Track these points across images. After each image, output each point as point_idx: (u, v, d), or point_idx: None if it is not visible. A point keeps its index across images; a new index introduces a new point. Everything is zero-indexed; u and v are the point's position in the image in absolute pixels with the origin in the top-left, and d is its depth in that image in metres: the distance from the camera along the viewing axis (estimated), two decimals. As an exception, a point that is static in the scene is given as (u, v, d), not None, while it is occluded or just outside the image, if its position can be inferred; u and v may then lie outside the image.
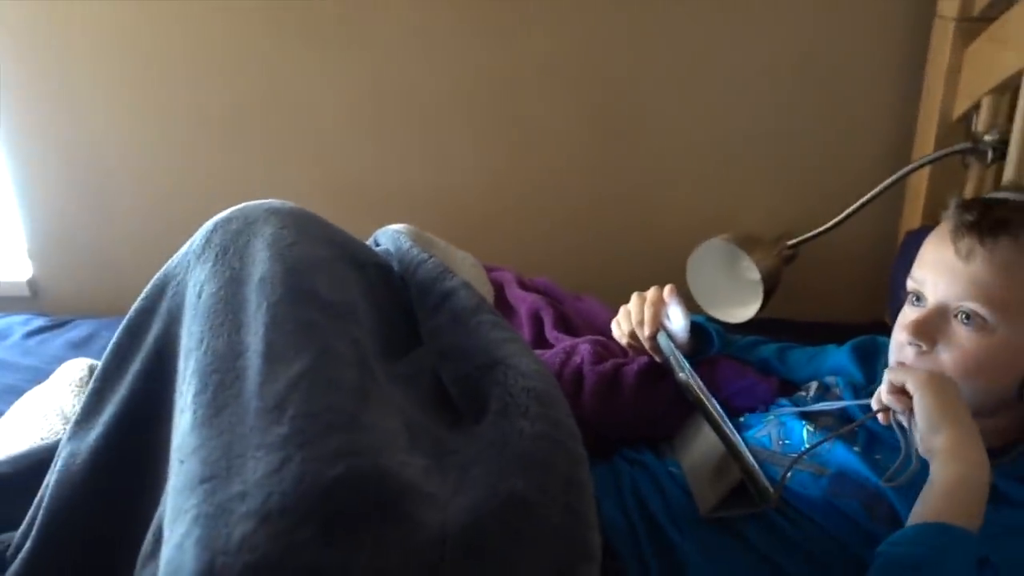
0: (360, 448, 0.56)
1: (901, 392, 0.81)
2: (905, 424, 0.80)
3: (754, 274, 1.38)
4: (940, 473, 0.75)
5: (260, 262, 0.71)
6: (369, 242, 0.96)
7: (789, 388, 1.05)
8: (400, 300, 0.83)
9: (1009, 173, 1.18)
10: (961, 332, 0.83)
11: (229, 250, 0.73)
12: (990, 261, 0.82)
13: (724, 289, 1.45)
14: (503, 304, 1.28)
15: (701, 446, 0.86)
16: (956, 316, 0.84)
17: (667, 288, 1.00)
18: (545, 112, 1.47)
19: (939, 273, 0.85)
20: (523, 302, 1.26)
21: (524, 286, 1.33)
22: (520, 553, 0.57)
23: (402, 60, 1.44)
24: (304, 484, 0.52)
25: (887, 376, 0.82)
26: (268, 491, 0.52)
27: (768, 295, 1.38)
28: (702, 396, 0.78)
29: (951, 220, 0.86)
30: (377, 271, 0.83)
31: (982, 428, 0.87)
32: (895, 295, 1.22)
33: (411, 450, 0.61)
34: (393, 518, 0.54)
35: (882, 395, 0.82)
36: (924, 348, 0.85)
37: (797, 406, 0.97)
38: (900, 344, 0.89)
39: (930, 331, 0.85)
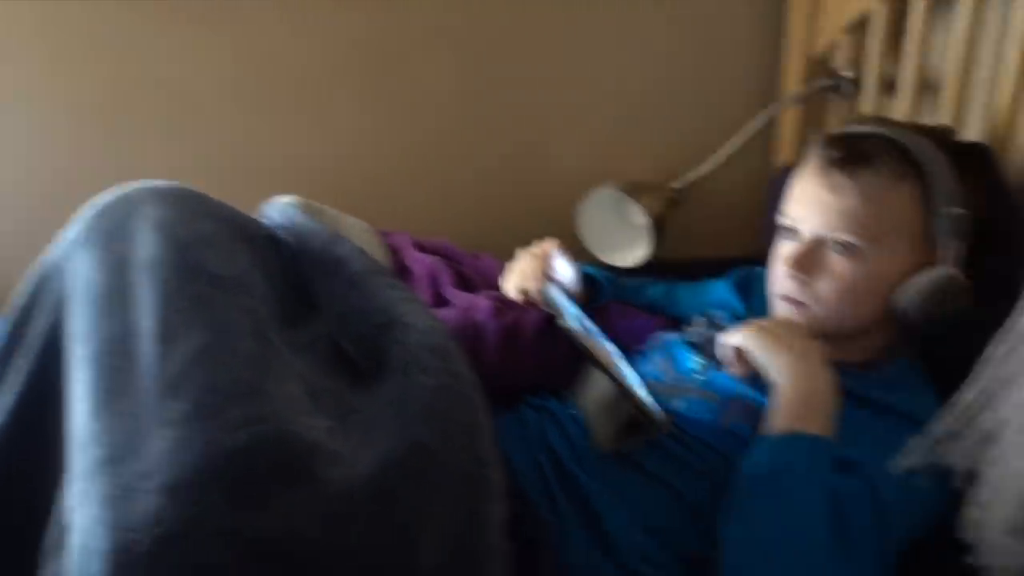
0: (263, 415, 0.57)
1: (738, 355, 0.89)
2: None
3: (642, 219, 1.43)
4: (780, 396, 0.84)
5: (147, 244, 0.70)
6: (257, 215, 0.95)
7: (679, 325, 1.11)
8: (293, 270, 0.83)
9: (866, 105, 1.26)
10: (836, 261, 0.90)
11: (114, 234, 0.71)
12: (857, 193, 0.88)
13: (615, 235, 1.49)
14: (400, 267, 1.29)
15: (596, 388, 0.90)
16: (830, 247, 0.90)
17: (551, 243, 1.04)
18: (425, 74, 1.47)
19: (812, 208, 0.91)
20: (420, 264, 1.27)
21: (421, 248, 1.35)
22: (427, 497, 0.60)
23: (274, 30, 1.41)
24: (208, 455, 0.54)
25: (718, 347, 0.92)
26: (172, 466, 0.53)
27: (658, 238, 1.44)
28: (586, 341, 0.81)
29: (819, 158, 0.92)
30: (267, 243, 0.83)
31: (856, 348, 0.95)
32: (769, 227, 1.29)
33: (314, 413, 0.63)
34: (299, 477, 0.56)
35: (725, 362, 0.91)
36: (805, 279, 0.91)
37: (682, 339, 1.03)
38: (780, 277, 0.95)
39: (808, 263, 0.91)
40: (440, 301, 1.22)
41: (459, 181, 1.56)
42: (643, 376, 0.97)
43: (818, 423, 0.83)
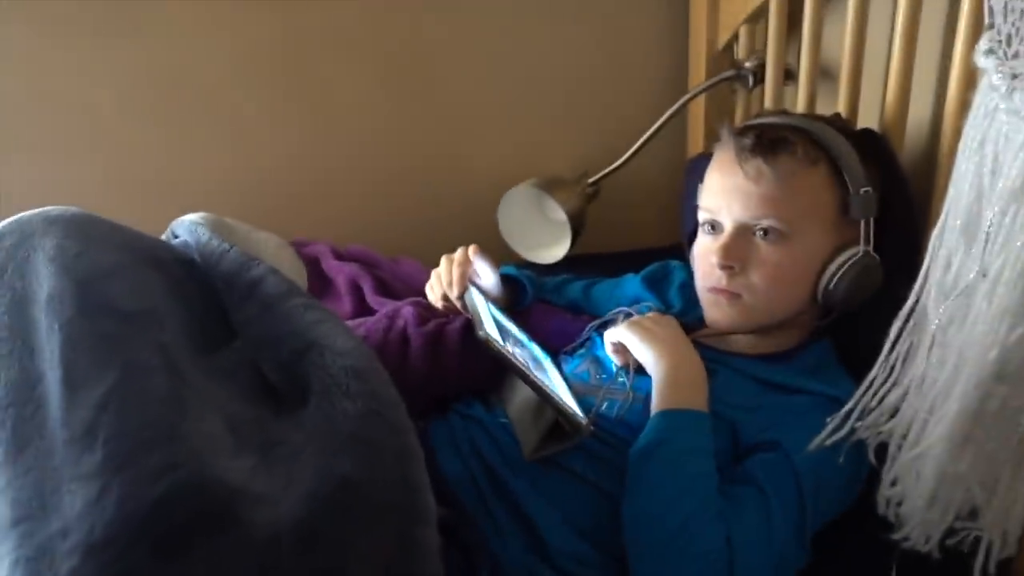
0: (181, 460, 0.55)
1: (621, 349, 0.94)
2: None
3: (560, 215, 1.44)
4: (656, 379, 0.89)
5: (45, 278, 0.67)
6: (166, 235, 0.93)
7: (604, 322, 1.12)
8: (208, 294, 0.81)
9: (768, 95, 1.30)
10: (764, 248, 0.92)
11: (7, 269, 0.68)
12: (776, 177, 0.90)
13: (535, 232, 1.50)
14: (320, 277, 1.28)
15: (520, 395, 0.91)
16: (756, 234, 0.92)
17: (471, 248, 1.04)
18: (336, 78, 1.45)
19: (732, 198, 0.93)
20: (340, 272, 1.26)
21: (340, 256, 1.33)
22: (355, 532, 0.59)
23: (176, 41, 1.36)
24: (127, 508, 0.51)
25: (605, 343, 0.96)
26: (90, 523, 0.51)
27: (576, 233, 1.45)
28: (503, 350, 0.82)
29: (732, 148, 0.94)
30: (180, 267, 0.81)
31: (783, 336, 0.98)
32: (684, 217, 1.32)
33: (236, 451, 0.61)
34: (224, 525, 0.54)
35: (609, 355, 0.96)
36: (736, 269, 0.93)
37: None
38: (708, 271, 0.96)
39: (737, 253, 0.93)
40: (363, 309, 1.21)
41: (378, 186, 1.54)
42: (569, 378, 0.99)
43: (692, 402, 0.87)
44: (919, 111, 1.04)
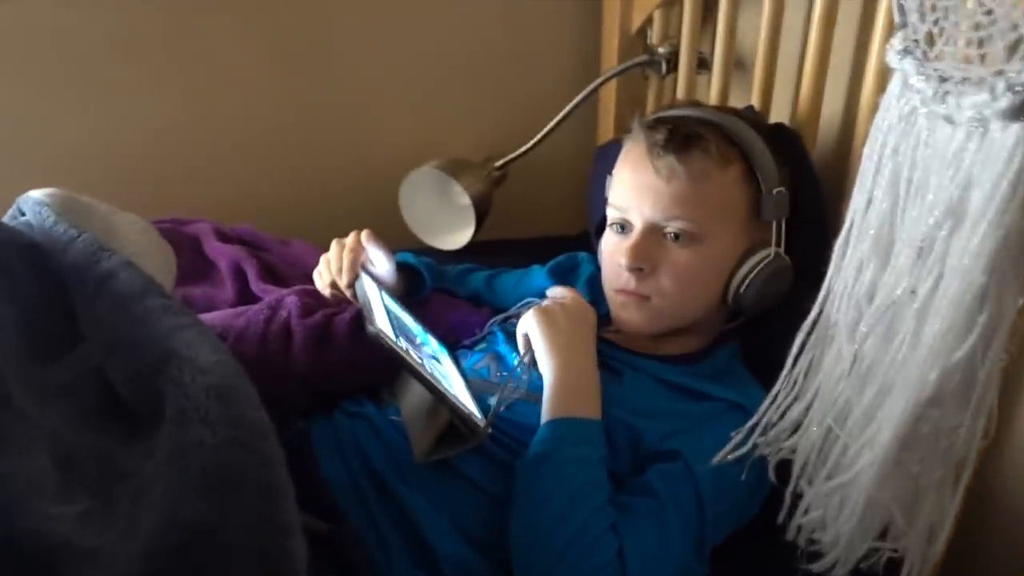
0: None
1: (527, 340, 0.88)
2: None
3: (465, 199, 1.38)
4: (546, 383, 0.84)
5: None
6: (10, 214, 0.81)
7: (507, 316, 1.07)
8: (52, 288, 0.70)
9: (681, 83, 1.26)
10: (675, 249, 0.88)
11: None
12: (689, 177, 0.86)
13: (438, 217, 1.44)
14: (201, 260, 1.17)
15: (414, 392, 0.85)
16: (666, 236, 0.88)
17: (364, 233, 0.96)
18: (224, 46, 1.33)
19: (643, 196, 0.89)
20: (223, 255, 1.16)
21: (225, 237, 1.23)
22: None
23: (44, 2, 1.23)
24: None
25: (517, 330, 0.91)
26: None
27: (481, 218, 1.39)
28: (395, 347, 0.75)
29: (643, 143, 0.89)
30: (19, 254, 0.70)
31: (690, 339, 0.95)
32: (592, 206, 1.28)
33: (63, 492, 0.51)
34: None
35: (519, 347, 0.90)
36: (645, 271, 0.89)
37: (506, 332, 0.99)
38: (617, 272, 0.92)
39: (647, 255, 0.88)
40: (247, 296, 1.12)
41: (269, 163, 1.44)
42: (468, 374, 0.93)
43: (581, 408, 0.83)
44: (833, 107, 1.02)
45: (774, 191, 0.88)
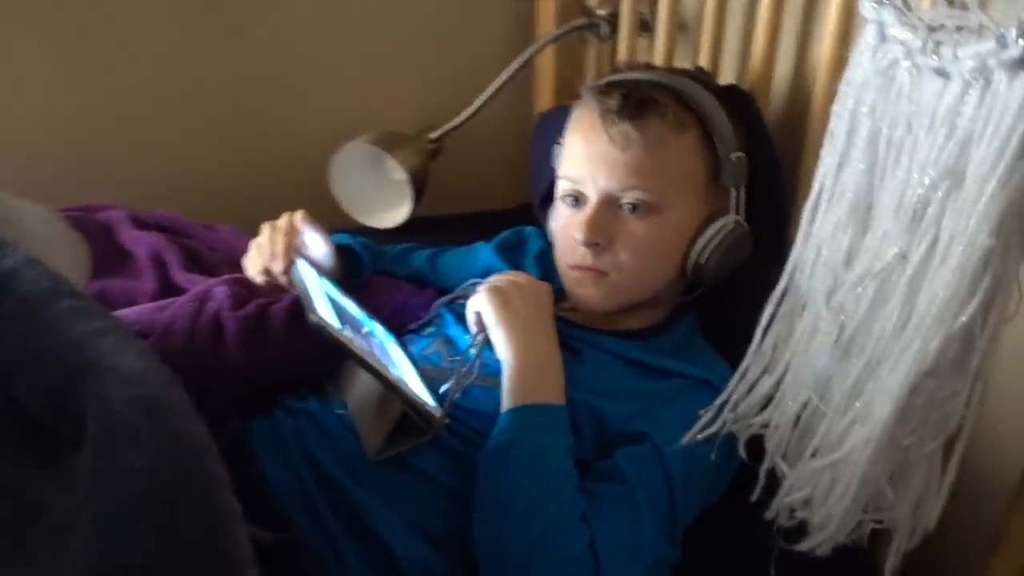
0: None
1: (480, 320, 0.83)
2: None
3: (400, 174, 1.31)
4: (505, 367, 0.79)
5: None
6: None
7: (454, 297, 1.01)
8: None
9: (622, 46, 1.21)
10: (632, 221, 0.84)
11: None
12: (645, 144, 0.81)
13: (373, 193, 1.36)
14: (116, 251, 1.08)
15: (361, 383, 0.79)
16: (623, 207, 0.84)
17: (298, 215, 0.89)
18: (135, 14, 1.23)
19: (597, 166, 0.84)
20: (141, 244, 1.07)
21: (142, 224, 1.13)
22: None
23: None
24: None
25: (467, 311, 0.85)
26: None
27: (419, 193, 1.32)
28: (340, 337, 0.69)
29: (595, 110, 0.84)
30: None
31: (646, 314, 0.91)
32: (536, 178, 1.23)
33: None
34: None
35: (471, 326, 0.84)
36: (601, 245, 0.84)
37: (455, 313, 0.93)
38: (572, 247, 0.87)
39: (604, 228, 0.84)
40: (170, 288, 1.03)
41: (187, 141, 1.34)
42: (418, 361, 0.87)
43: (544, 393, 0.78)
44: (785, 66, 0.98)
45: (732, 156, 0.84)
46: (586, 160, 0.85)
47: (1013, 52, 0.43)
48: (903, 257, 0.56)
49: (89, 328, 0.56)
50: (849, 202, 0.61)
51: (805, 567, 0.70)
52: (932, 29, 0.50)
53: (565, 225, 0.87)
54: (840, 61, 0.81)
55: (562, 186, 0.88)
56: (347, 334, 0.71)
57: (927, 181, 0.52)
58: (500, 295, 0.83)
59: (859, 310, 0.61)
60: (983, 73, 0.47)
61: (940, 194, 0.51)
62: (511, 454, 0.74)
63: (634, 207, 0.83)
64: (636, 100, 0.82)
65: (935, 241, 0.53)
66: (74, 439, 0.51)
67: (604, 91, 0.84)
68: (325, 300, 0.78)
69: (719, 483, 0.82)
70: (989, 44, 0.45)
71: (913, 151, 0.54)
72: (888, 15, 0.55)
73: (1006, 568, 0.71)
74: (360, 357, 0.70)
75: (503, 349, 0.81)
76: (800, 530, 0.71)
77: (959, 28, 0.49)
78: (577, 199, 0.86)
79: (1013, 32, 0.43)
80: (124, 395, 0.50)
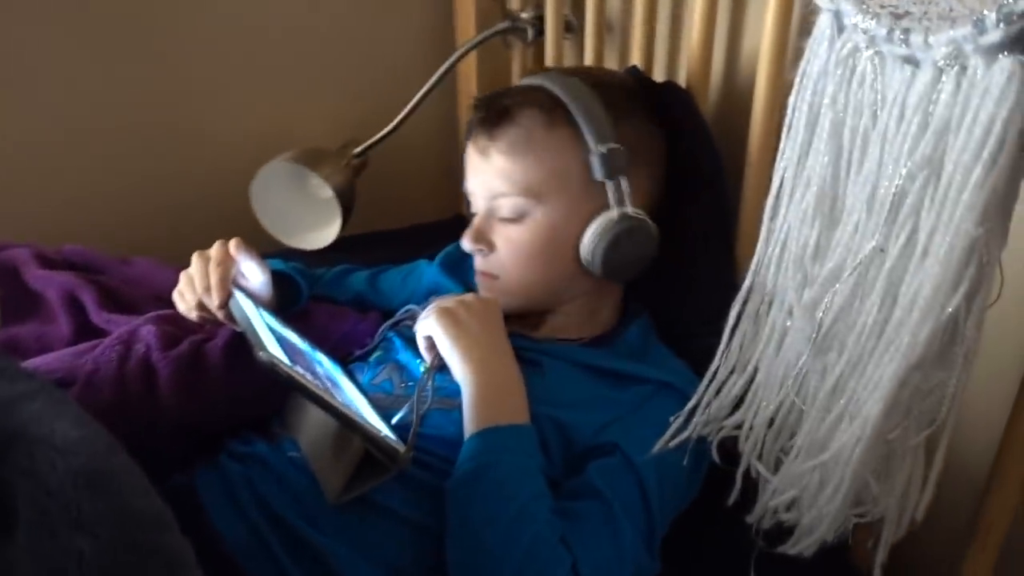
0: None
1: (431, 344, 0.80)
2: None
3: (326, 191, 1.25)
4: (465, 390, 0.76)
5: None
6: None
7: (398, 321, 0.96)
8: None
9: (549, 50, 1.19)
10: (507, 226, 0.85)
11: None
12: (504, 150, 0.83)
13: (299, 214, 1.31)
14: (24, 293, 0.99)
15: (313, 421, 0.73)
16: (497, 213, 0.85)
17: (233, 243, 0.83)
18: (36, 38, 1.14)
19: (474, 179, 0.87)
20: (51, 284, 0.98)
21: (49, 262, 1.05)
22: None
23: None
24: None
25: (417, 336, 0.82)
26: None
27: (347, 211, 1.27)
28: (293, 374, 0.63)
29: (469, 123, 0.87)
30: None
31: (586, 321, 0.90)
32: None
33: None
34: None
35: (422, 352, 0.82)
36: (485, 252, 0.86)
37: (404, 337, 0.89)
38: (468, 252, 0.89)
39: (484, 234, 0.86)
40: (87, 331, 0.95)
41: (95, 170, 1.25)
42: (369, 390, 0.82)
43: (509, 413, 0.75)
44: (722, 61, 0.97)
45: (604, 148, 0.81)
46: (469, 173, 0.88)
47: (992, 37, 0.42)
48: (880, 251, 0.55)
49: (11, 392, 0.48)
50: (814, 195, 0.60)
51: (785, 567, 0.69)
52: (897, 16, 0.49)
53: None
54: (780, 51, 0.81)
55: (468, 198, 0.90)
56: (299, 370, 0.66)
57: (903, 172, 0.51)
58: (449, 316, 0.80)
59: (834, 306, 0.59)
60: (958, 60, 0.46)
61: (918, 185, 0.50)
62: (480, 482, 0.70)
63: (507, 212, 0.84)
64: (496, 110, 0.84)
65: (914, 232, 0.51)
66: (4, 526, 0.43)
67: (474, 105, 0.87)
68: (269, 334, 0.72)
69: (692, 488, 0.80)
70: (965, 29, 0.43)
71: (883, 141, 0.53)
72: (845, 3, 0.54)
73: (984, 554, 0.71)
74: (316, 394, 0.65)
75: (460, 371, 0.77)
76: (781, 531, 0.69)
77: (925, 14, 0.47)
78: (476, 210, 0.88)
79: (993, 17, 0.41)
80: (59, 469, 0.43)
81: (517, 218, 0.84)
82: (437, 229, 1.40)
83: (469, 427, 0.74)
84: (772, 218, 0.66)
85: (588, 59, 1.11)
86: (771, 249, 0.66)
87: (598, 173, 0.82)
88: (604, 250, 0.82)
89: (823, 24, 0.58)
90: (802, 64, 0.60)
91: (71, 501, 0.42)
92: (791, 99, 0.62)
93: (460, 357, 0.77)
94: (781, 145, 0.63)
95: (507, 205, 0.84)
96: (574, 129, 0.82)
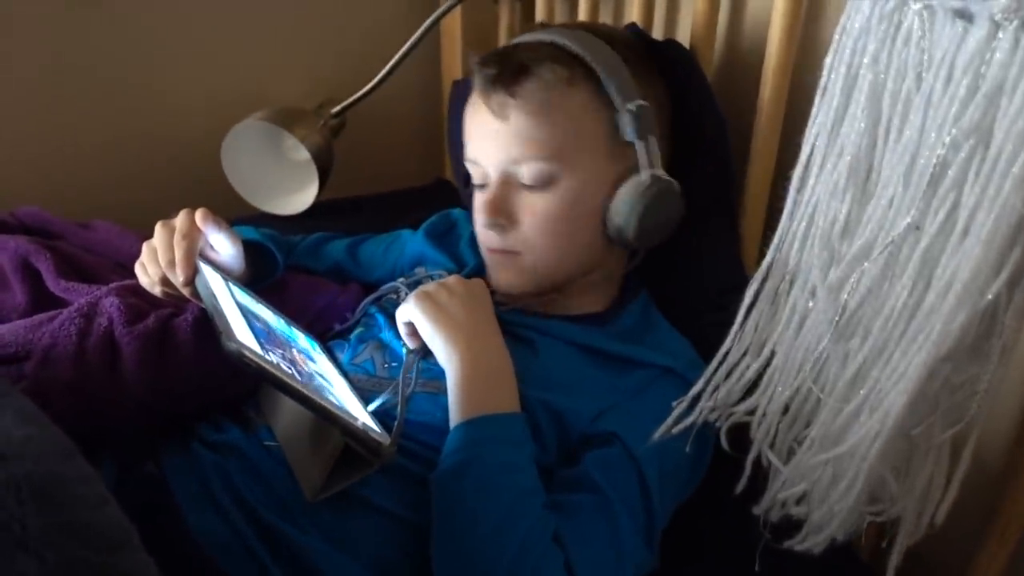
0: None
1: (412, 330, 0.75)
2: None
3: (302, 153, 1.18)
4: (450, 377, 0.71)
5: None
6: None
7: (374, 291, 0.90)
8: None
9: (540, 4, 1.12)
10: (531, 195, 0.77)
11: None
12: (525, 110, 0.75)
13: (273, 177, 1.23)
14: (-26, 261, 0.92)
15: (289, 409, 0.68)
16: (519, 180, 0.77)
17: (199, 212, 0.75)
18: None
19: (487, 141, 0.78)
20: (3, 250, 0.90)
21: (4, 226, 0.97)
22: None
23: None
24: None
25: (397, 322, 0.76)
26: None
27: (324, 174, 1.20)
28: (265, 365, 0.57)
29: (478, 81, 0.78)
30: None
31: (588, 296, 0.84)
32: (454, 151, 1.13)
33: None
34: None
35: (404, 339, 0.76)
36: (505, 225, 0.78)
37: (387, 313, 0.83)
38: (482, 231, 0.81)
39: (505, 207, 0.78)
40: (43, 301, 0.88)
41: (53, 128, 1.17)
42: (350, 371, 0.77)
43: (497, 401, 0.70)
44: (729, 18, 0.91)
45: (632, 105, 0.75)
46: (477, 138, 0.80)
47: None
48: (916, 228, 0.50)
49: None
50: (848, 165, 0.55)
51: (790, 562, 0.65)
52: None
53: (475, 209, 0.81)
54: (795, 5, 0.76)
55: (469, 168, 0.82)
56: (271, 358, 0.60)
57: (946, 140, 0.46)
58: (430, 301, 0.74)
59: (861, 287, 0.55)
60: (1018, 12, 0.41)
61: (963, 155, 0.45)
62: (467, 476, 0.65)
63: (531, 179, 0.77)
64: (512, 64, 0.76)
65: (955, 209, 0.46)
66: None
67: (483, 62, 0.78)
68: (239, 314, 0.66)
69: (695, 478, 0.76)
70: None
71: (927, 106, 0.48)
72: (892, -49, 0.48)
73: (1002, 548, 0.68)
74: (291, 386, 0.59)
75: (443, 357, 0.72)
76: (789, 526, 0.65)
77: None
78: (483, 184, 0.80)
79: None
80: (0, 479, 0.37)
81: (541, 185, 0.77)
82: (419, 194, 1.34)
83: (454, 416, 0.69)
84: (799, 190, 0.60)
85: (582, 16, 1.04)
86: (796, 224, 0.61)
87: (628, 133, 0.76)
88: (640, 216, 0.76)
89: (862, -26, 0.52)
90: (842, 20, 0.54)
91: (14, 517, 0.36)
92: (828, 59, 0.56)
93: (443, 342, 0.72)
94: (813, 110, 0.57)
95: (530, 171, 0.76)
96: (595, 86, 0.75)
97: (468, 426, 0.67)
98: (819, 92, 0.57)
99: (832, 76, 0.55)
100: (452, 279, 0.78)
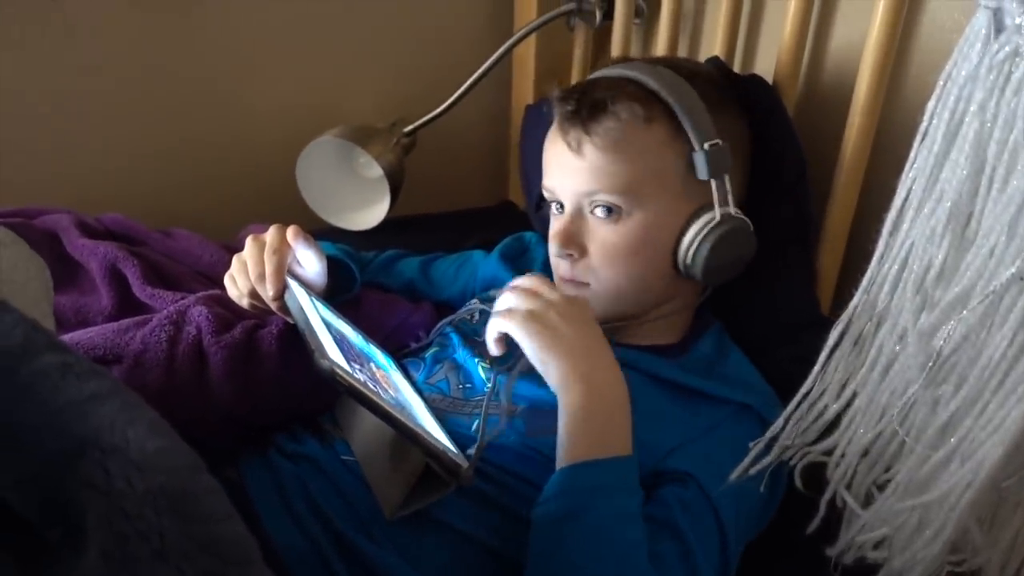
0: None
1: (503, 338, 0.71)
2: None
3: (375, 170, 1.20)
4: (563, 409, 0.67)
5: None
6: None
7: (446, 309, 0.91)
8: None
9: (617, 34, 1.13)
10: (602, 228, 0.78)
11: None
12: (601, 146, 0.76)
13: (345, 193, 1.26)
14: (64, 262, 0.95)
15: (369, 424, 0.69)
16: (591, 212, 0.79)
17: (291, 230, 0.76)
18: (90, 14, 1.09)
19: (563, 174, 0.80)
20: (93, 255, 0.94)
21: (90, 231, 1.00)
22: None
23: None
24: None
25: (488, 332, 0.71)
26: None
27: (395, 191, 1.22)
28: (357, 384, 0.58)
29: (557, 115, 0.80)
30: None
31: (662, 328, 0.84)
32: (525, 175, 1.15)
33: None
34: None
35: (490, 349, 0.71)
36: (575, 256, 0.79)
37: (463, 333, 0.84)
38: (554, 260, 0.82)
39: (575, 237, 0.79)
40: (128, 306, 0.91)
41: (138, 139, 1.20)
42: (424, 390, 0.78)
43: (614, 441, 0.66)
44: (816, 54, 0.91)
45: (707, 145, 0.76)
46: (554, 168, 0.81)
47: None
48: (1021, 279, 0.49)
49: (82, 392, 0.41)
50: (947, 211, 0.54)
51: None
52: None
53: (550, 236, 0.82)
54: (888, 47, 0.76)
55: (546, 195, 0.84)
56: (359, 376, 0.61)
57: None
58: (537, 320, 0.68)
59: (956, 335, 0.54)
60: None
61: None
62: (577, 525, 0.62)
63: (602, 212, 0.78)
64: (591, 102, 0.77)
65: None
66: (71, 547, 0.38)
67: (562, 97, 0.79)
68: (326, 331, 0.67)
69: (766, 516, 0.75)
70: None
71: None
72: (1009, 1, 0.48)
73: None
74: (379, 406, 0.59)
75: (558, 386, 0.67)
76: (862, 569, 0.65)
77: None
78: (560, 208, 0.82)
79: None
80: (137, 487, 0.37)
81: (612, 219, 0.78)
82: (483, 215, 1.35)
83: (567, 452, 0.65)
84: (892, 233, 0.60)
85: (661, 47, 1.05)
86: (887, 267, 0.60)
87: (702, 172, 0.76)
88: (708, 253, 0.77)
89: (979, 23, 0.52)
90: (947, 67, 0.54)
91: (152, 528, 0.36)
92: (930, 104, 0.56)
93: (557, 369, 0.67)
94: (911, 154, 0.57)
95: (602, 205, 0.77)
96: (672, 123, 0.76)
97: (579, 470, 0.64)
98: (919, 136, 0.56)
99: (934, 121, 0.55)
100: (555, 295, 0.72)
